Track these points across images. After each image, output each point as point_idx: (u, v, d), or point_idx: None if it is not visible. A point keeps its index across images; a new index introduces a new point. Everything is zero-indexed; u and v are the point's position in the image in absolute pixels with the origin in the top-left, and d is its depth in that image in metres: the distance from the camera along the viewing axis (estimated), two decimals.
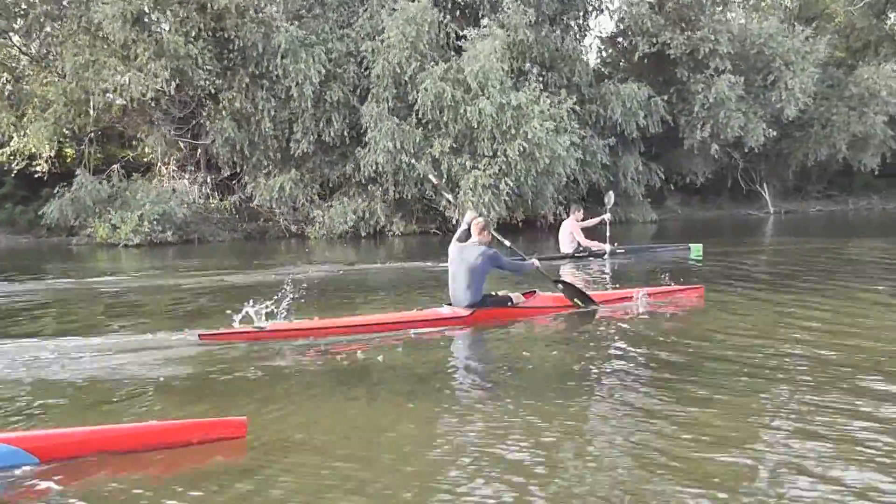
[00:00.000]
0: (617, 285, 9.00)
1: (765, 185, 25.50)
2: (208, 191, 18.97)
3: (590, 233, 11.93)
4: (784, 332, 6.13)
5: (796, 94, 21.17)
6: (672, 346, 5.70)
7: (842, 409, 4.10)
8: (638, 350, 5.58)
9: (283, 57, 16.91)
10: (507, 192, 17.05)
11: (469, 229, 6.89)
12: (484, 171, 16.87)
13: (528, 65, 18.36)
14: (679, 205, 24.63)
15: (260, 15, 17.61)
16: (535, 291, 7.14)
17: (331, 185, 18.64)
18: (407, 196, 17.90)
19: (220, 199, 18.90)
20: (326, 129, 17.83)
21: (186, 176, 19.07)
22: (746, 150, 22.47)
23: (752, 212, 25.13)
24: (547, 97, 17.54)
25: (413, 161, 17.08)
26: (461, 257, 6.59)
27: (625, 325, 6.55)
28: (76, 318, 7.95)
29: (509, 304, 6.75)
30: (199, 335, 5.90)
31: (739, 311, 7.19)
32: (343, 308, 7.54)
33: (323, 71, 17.22)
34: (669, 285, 7.87)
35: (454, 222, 17.51)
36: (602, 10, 22.20)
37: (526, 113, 16.92)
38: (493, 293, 6.81)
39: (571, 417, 4.06)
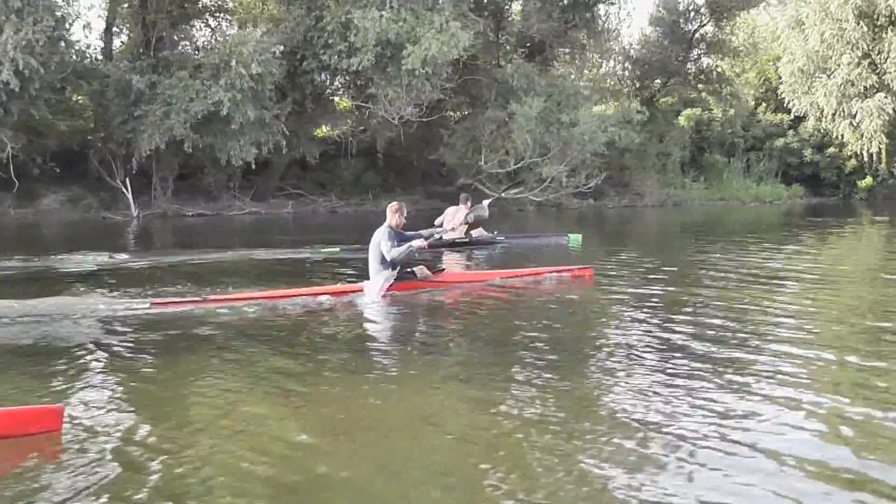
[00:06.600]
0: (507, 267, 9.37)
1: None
2: None
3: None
4: None
5: None
6: (562, 318, 6.45)
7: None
8: (525, 322, 6.20)
9: None
10: None
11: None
12: None
13: None
14: None
15: None
16: (443, 269, 8.15)
17: None
18: None
19: None
20: None
21: None
22: None
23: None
24: None
25: None
26: (373, 237, 7.42)
27: (521, 299, 7.31)
28: None
29: (416, 278, 7.49)
30: (150, 302, 6.44)
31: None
32: None
33: None
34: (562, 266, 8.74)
35: None
36: None
37: None
38: (407, 269, 7.47)
39: (466, 383, 4.28)
